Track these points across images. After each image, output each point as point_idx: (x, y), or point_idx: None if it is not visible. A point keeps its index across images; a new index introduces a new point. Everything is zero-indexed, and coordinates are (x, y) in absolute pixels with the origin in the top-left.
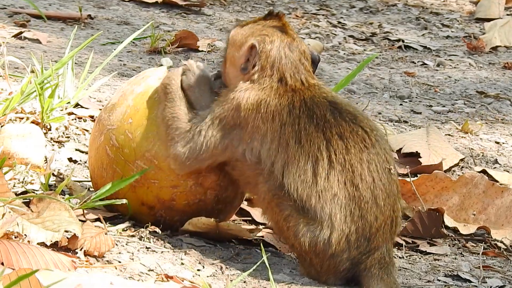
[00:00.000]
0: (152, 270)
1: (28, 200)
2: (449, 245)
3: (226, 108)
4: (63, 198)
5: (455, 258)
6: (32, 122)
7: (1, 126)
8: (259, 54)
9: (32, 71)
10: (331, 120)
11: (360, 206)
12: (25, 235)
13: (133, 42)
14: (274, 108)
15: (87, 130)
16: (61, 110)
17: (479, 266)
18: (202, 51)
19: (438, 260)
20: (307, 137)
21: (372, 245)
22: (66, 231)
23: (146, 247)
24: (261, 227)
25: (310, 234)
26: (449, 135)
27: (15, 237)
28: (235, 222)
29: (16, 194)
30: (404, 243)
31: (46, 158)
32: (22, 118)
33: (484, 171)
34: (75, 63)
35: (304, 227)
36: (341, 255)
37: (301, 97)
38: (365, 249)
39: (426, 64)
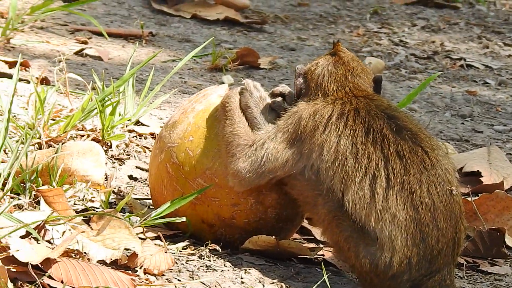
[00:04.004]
0: None
1: (88, 218)
2: (510, 265)
3: (290, 122)
4: (123, 215)
5: None
6: (93, 139)
7: (62, 144)
8: (303, 76)
9: (93, 88)
10: (389, 136)
11: (421, 230)
12: (85, 252)
13: (194, 60)
14: (327, 117)
15: (147, 148)
16: (122, 127)
17: None
18: (264, 68)
19: (499, 280)
20: (364, 152)
21: (434, 267)
22: (126, 249)
23: (206, 266)
24: (322, 245)
25: (371, 256)
26: (511, 154)
27: (75, 255)
28: (296, 240)
29: (77, 212)
30: (465, 263)
31: (106, 176)
32: (83, 136)
33: None
34: (136, 80)
35: (364, 248)
36: (401, 276)
37: (352, 106)
38: (427, 271)
39: (487, 83)
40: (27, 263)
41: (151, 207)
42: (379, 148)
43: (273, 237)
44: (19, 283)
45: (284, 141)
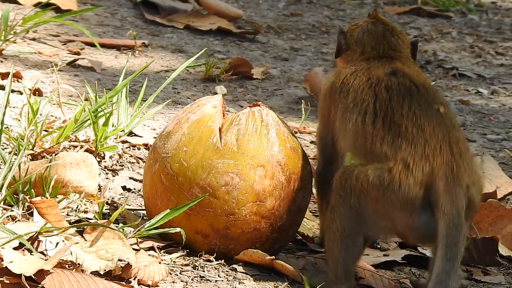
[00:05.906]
0: None
1: (82, 229)
2: (503, 275)
3: (323, 98)
4: (116, 226)
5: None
6: (86, 150)
7: (55, 155)
8: (344, 34)
9: (86, 99)
10: (381, 77)
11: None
12: (78, 264)
13: (187, 70)
14: (351, 82)
15: (141, 159)
16: (115, 138)
17: None
18: (257, 78)
19: None
20: (361, 96)
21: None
22: (120, 260)
23: (200, 276)
24: (315, 256)
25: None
26: (503, 163)
27: (69, 266)
28: (291, 250)
29: (70, 223)
30: None
31: (100, 187)
32: (76, 147)
33: None
34: (129, 91)
35: (375, 166)
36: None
37: (378, 72)
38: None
39: (480, 92)
40: (21, 274)
41: (145, 218)
42: (372, 89)
43: (268, 257)
44: None
45: (323, 119)
